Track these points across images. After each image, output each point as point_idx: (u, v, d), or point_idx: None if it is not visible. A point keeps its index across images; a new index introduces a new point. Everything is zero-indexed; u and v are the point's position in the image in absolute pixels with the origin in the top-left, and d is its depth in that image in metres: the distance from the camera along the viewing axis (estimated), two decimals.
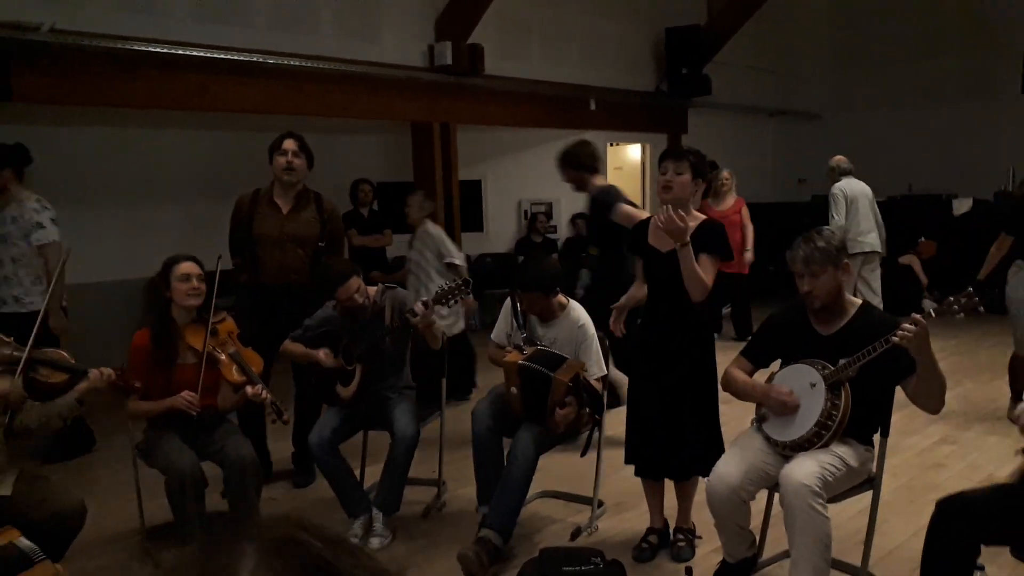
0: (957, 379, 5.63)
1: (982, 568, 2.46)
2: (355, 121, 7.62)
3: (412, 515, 3.74)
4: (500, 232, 9.12)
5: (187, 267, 3.27)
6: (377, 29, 6.77)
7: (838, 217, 6.68)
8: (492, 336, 3.70)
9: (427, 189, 7.49)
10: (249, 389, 3.20)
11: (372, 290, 3.66)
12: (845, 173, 6.83)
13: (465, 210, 8.10)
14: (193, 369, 3.22)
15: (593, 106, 8.52)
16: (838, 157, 6.98)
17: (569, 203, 9.16)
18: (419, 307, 3.42)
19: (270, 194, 4.05)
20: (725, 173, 7.47)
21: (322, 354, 3.55)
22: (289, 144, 4.00)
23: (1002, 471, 4.02)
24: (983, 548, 2.38)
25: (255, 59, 5.74)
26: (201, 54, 5.46)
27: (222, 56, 5.56)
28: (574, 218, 9.10)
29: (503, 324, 3.63)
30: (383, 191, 7.32)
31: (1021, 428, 2.37)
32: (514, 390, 3.34)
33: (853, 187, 6.76)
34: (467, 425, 3.50)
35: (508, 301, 3.60)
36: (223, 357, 3.25)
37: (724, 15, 9.37)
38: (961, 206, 9.26)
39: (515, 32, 7.88)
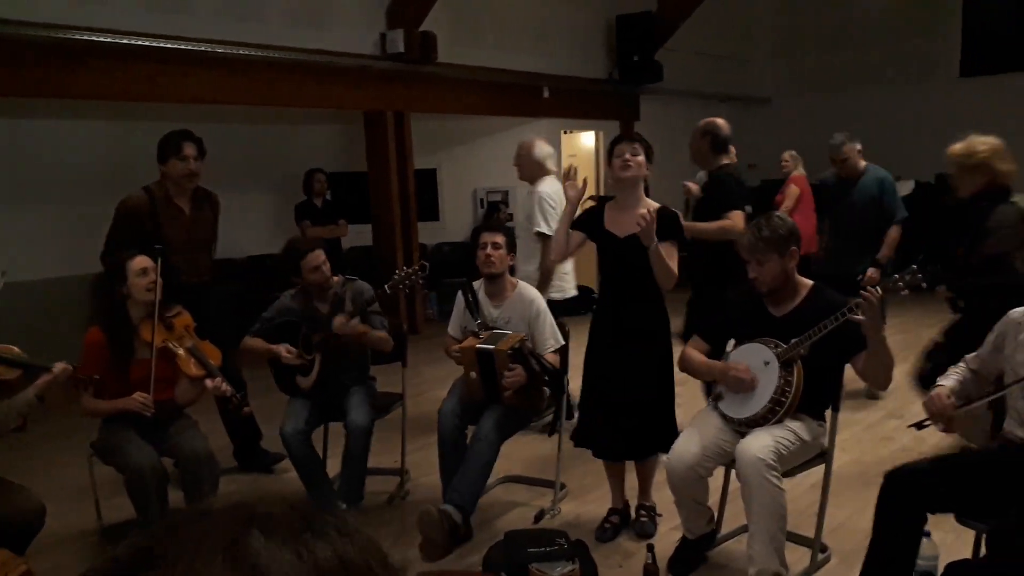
0: (904, 356, 5.81)
1: (928, 534, 2.57)
2: (307, 111, 7.54)
3: (376, 505, 3.76)
4: (456, 221, 9.11)
5: (142, 261, 3.22)
6: (327, 17, 6.69)
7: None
8: (449, 331, 3.72)
9: (381, 178, 7.49)
10: (208, 382, 3.18)
11: (334, 279, 3.66)
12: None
13: (421, 199, 8.08)
14: (150, 364, 3.18)
15: (546, 94, 8.55)
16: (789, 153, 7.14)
17: (525, 191, 9.21)
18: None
19: (167, 195, 3.85)
20: (785, 155, 7.40)
21: (283, 350, 3.54)
22: (190, 150, 3.80)
23: (945, 442, 4.18)
24: (929, 515, 2.50)
25: (203, 49, 5.63)
26: (148, 44, 5.33)
27: (170, 46, 5.44)
28: None
29: (457, 315, 3.67)
30: (337, 181, 7.27)
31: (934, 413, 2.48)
32: (473, 375, 3.39)
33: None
34: (428, 411, 3.52)
35: (459, 294, 3.63)
36: (180, 351, 3.22)
37: (674, 1, 9.46)
38: (904, 188, 9.53)
39: (467, 19, 7.85)
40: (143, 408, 3.09)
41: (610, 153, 3.27)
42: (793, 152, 7.41)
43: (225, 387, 3.18)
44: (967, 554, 2.65)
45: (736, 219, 3.81)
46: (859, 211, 5.09)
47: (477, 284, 3.63)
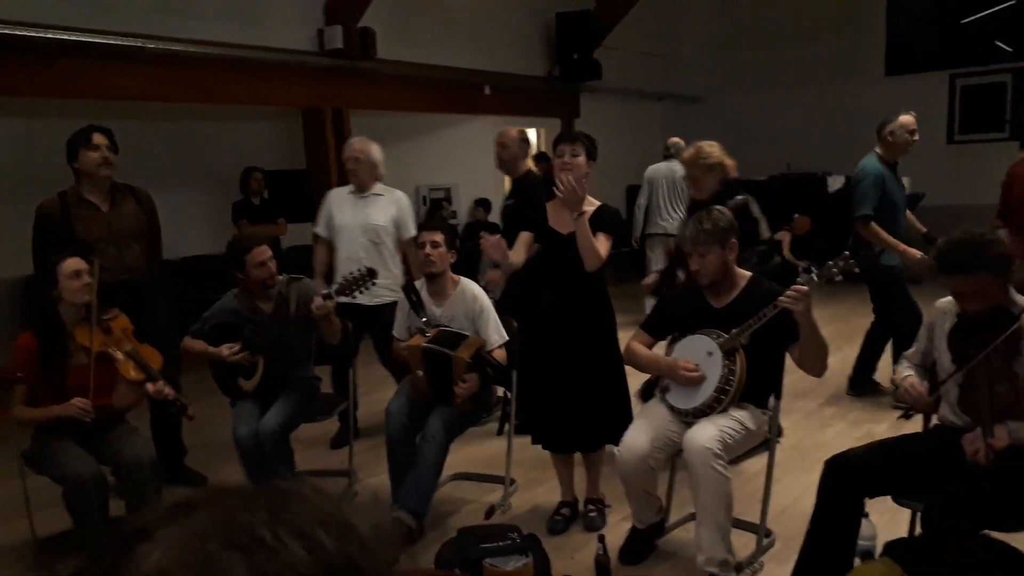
0: (837, 345, 5.99)
1: (867, 515, 2.67)
2: (243, 107, 7.37)
3: None
4: None
5: (75, 263, 3.11)
6: (263, 13, 6.56)
7: (642, 200, 6.99)
8: (395, 333, 3.69)
9: (321, 176, 7.38)
10: (150, 387, 3.09)
11: (278, 279, 3.59)
12: (669, 156, 6.99)
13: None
14: (86, 370, 3.07)
15: (487, 91, 8.56)
16: (674, 139, 7.23)
17: (468, 188, 9.19)
18: (318, 301, 3.39)
19: (79, 194, 3.67)
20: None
21: (225, 350, 3.46)
22: (100, 139, 3.66)
23: (879, 427, 4.35)
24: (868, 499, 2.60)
25: (134, 44, 5.46)
26: (76, 38, 5.15)
27: (98, 40, 5.26)
28: (475, 203, 9.15)
29: (402, 318, 3.64)
30: (275, 179, 7.12)
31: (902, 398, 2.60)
32: (419, 373, 3.37)
33: (657, 171, 6.99)
34: (375, 411, 3.49)
35: (402, 293, 3.60)
36: (119, 356, 3.12)
37: (611, 0, 9.57)
38: (835, 183, 9.86)
39: (407, 16, 7.80)
40: (82, 414, 2.98)
41: (554, 152, 3.31)
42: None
43: (168, 391, 3.10)
44: (904, 532, 2.76)
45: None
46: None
47: (419, 283, 3.61)
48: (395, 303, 3.77)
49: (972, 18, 10.09)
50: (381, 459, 3.53)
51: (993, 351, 2.35)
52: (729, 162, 3.95)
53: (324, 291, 3.49)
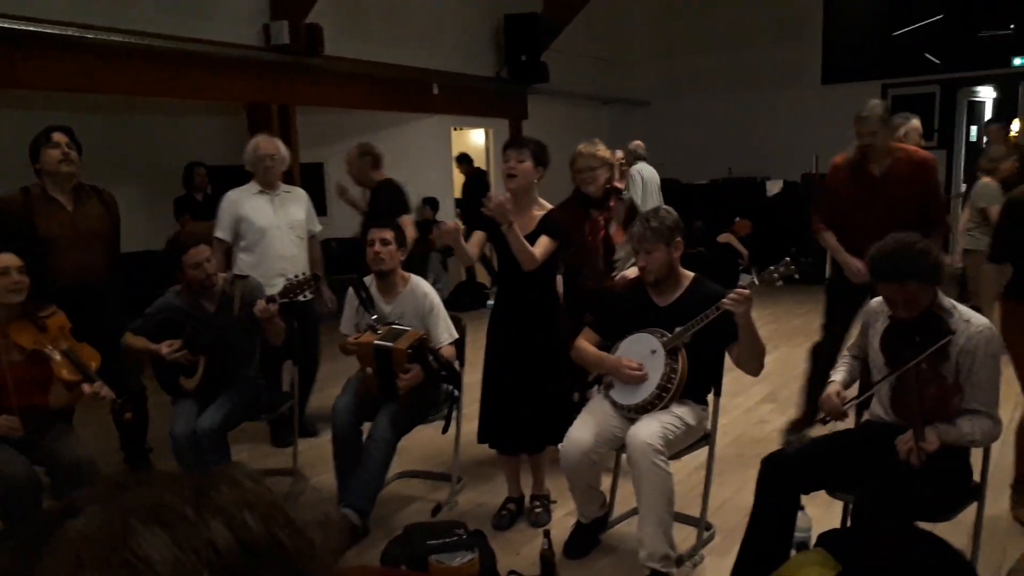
0: (775, 344, 6.20)
1: (802, 508, 2.78)
2: (187, 102, 7.23)
3: None
4: (344, 217, 8.96)
5: (4, 259, 3.01)
6: (208, 6, 6.43)
7: (636, 199, 7.07)
8: (342, 329, 3.68)
9: None
10: (87, 387, 3.01)
11: (221, 276, 3.54)
12: (641, 158, 7.22)
13: (308, 194, 7.89)
14: (21, 368, 2.98)
15: (436, 90, 8.55)
16: (636, 142, 7.39)
17: (416, 187, 9.15)
18: (261, 304, 3.36)
19: (44, 191, 3.64)
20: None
21: (164, 347, 3.40)
22: (60, 137, 3.63)
23: (816, 425, 4.50)
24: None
25: (71, 33, 5.30)
26: (7, 26, 4.98)
27: (32, 28, 5.09)
28: (423, 202, 9.12)
29: (349, 314, 3.63)
30: (219, 175, 6.99)
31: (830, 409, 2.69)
32: (369, 370, 3.37)
33: (646, 172, 7.13)
34: (320, 408, 3.47)
35: (350, 290, 3.60)
36: (55, 355, 3.03)
37: (559, 3, 9.66)
38: (774, 187, 10.15)
39: (355, 13, 7.74)
40: (10, 432, 2.91)
41: (503, 158, 3.36)
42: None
43: (105, 391, 3.02)
44: (837, 524, 2.88)
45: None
46: None
47: (369, 280, 3.61)
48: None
49: (903, 31, 10.50)
50: (327, 459, 3.51)
51: (925, 357, 2.46)
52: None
53: (268, 294, 3.46)
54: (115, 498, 0.57)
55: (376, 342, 3.30)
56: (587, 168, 3.83)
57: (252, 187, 4.36)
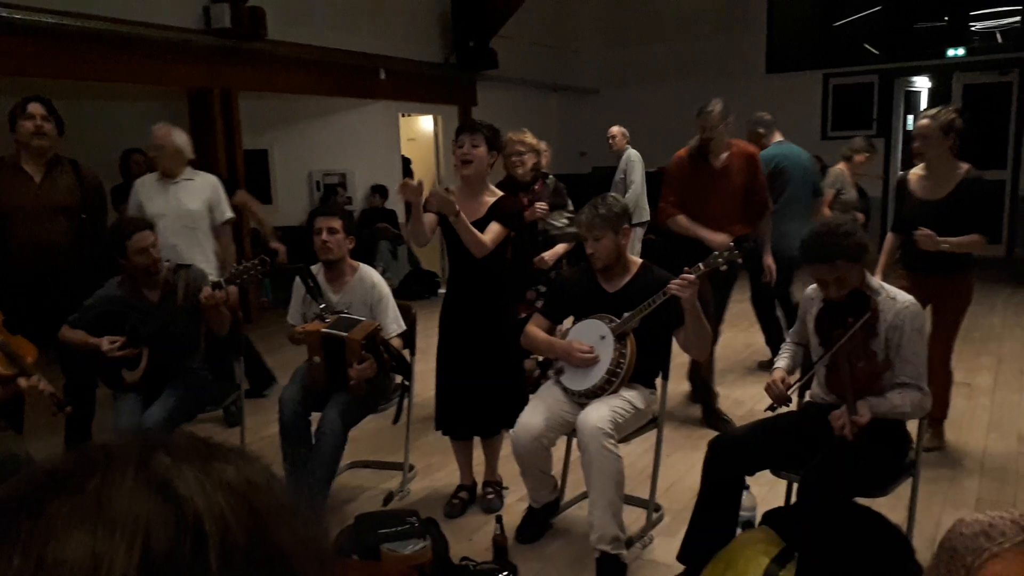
0: (720, 328, 6.30)
1: (747, 488, 2.84)
2: (125, 86, 7.00)
3: None
4: (290, 204, 8.82)
5: None
6: None
7: (636, 182, 7.07)
8: (289, 319, 3.63)
9: (208, 159, 7.10)
10: (23, 382, 2.91)
11: (165, 265, 3.45)
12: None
13: (252, 181, 7.73)
14: None
15: (383, 75, 8.45)
16: (618, 127, 7.41)
17: (364, 174, 9.06)
18: (207, 291, 3.29)
19: (16, 162, 3.66)
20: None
21: (105, 342, 3.30)
22: (36, 108, 3.64)
23: (760, 405, 4.60)
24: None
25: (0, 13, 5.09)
26: None
27: None
28: (372, 190, 9.03)
29: (296, 303, 3.58)
30: None
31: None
32: (317, 359, 3.32)
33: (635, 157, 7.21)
34: (267, 405, 3.42)
35: (297, 279, 3.55)
36: None
37: None
38: None
39: None
40: None
41: (455, 142, 3.33)
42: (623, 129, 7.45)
43: (43, 385, 2.92)
44: (781, 502, 2.96)
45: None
46: None
47: (316, 268, 3.56)
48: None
49: (843, 21, 10.74)
50: (275, 451, 3.46)
51: (853, 333, 2.56)
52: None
53: (213, 280, 3.39)
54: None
55: (324, 330, 3.26)
56: (515, 153, 4.27)
57: (156, 175, 4.33)
